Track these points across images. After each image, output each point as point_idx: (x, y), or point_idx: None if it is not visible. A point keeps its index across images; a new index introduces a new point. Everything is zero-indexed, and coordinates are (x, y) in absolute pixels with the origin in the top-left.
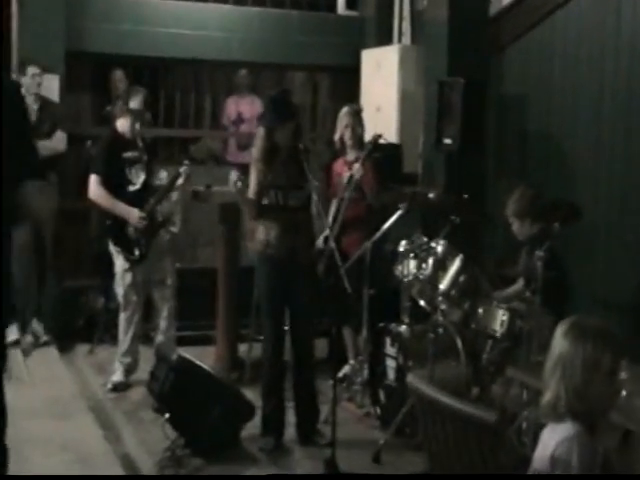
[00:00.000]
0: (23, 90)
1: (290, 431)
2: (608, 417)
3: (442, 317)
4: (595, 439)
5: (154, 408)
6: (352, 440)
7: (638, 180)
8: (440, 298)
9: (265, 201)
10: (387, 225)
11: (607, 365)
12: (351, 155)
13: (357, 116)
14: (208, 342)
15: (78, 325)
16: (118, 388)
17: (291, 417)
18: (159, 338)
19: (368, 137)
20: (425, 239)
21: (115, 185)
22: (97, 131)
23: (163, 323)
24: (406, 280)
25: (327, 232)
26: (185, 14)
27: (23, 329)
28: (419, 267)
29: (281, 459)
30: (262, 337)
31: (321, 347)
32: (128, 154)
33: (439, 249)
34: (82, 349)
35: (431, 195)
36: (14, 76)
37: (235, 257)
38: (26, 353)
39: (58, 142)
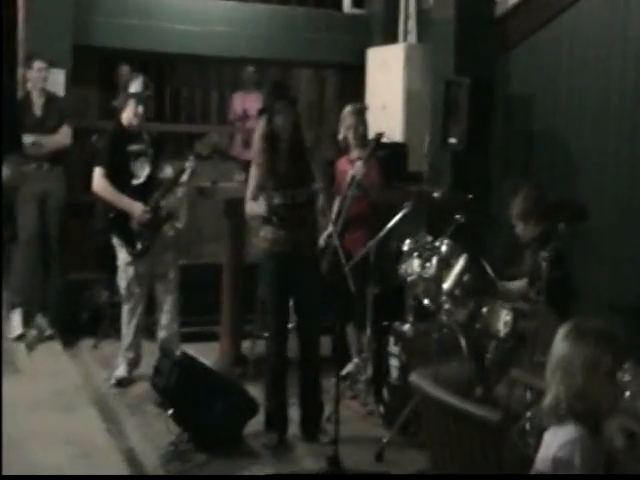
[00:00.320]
0: (29, 85)
1: (293, 428)
2: (613, 418)
3: (446, 316)
4: (598, 441)
5: (157, 403)
6: (355, 438)
7: None
8: (444, 297)
9: (273, 200)
10: (391, 224)
11: (607, 365)
12: (355, 153)
13: (360, 115)
14: (212, 338)
15: (82, 319)
16: (122, 383)
17: (294, 414)
18: (161, 333)
19: (372, 135)
20: (430, 238)
21: (119, 178)
22: (103, 125)
23: (165, 318)
24: (410, 279)
25: (330, 230)
26: (192, 10)
27: (27, 323)
28: (423, 266)
29: (284, 456)
30: (266, 334)
31: (325, 345)
32: (133, 147)
33: (443, 248)
34: (87, 343)
35: (436, 194)
36: (20, 70)
37: (240, 253)
38: (30, 347)
39: (64, 136)
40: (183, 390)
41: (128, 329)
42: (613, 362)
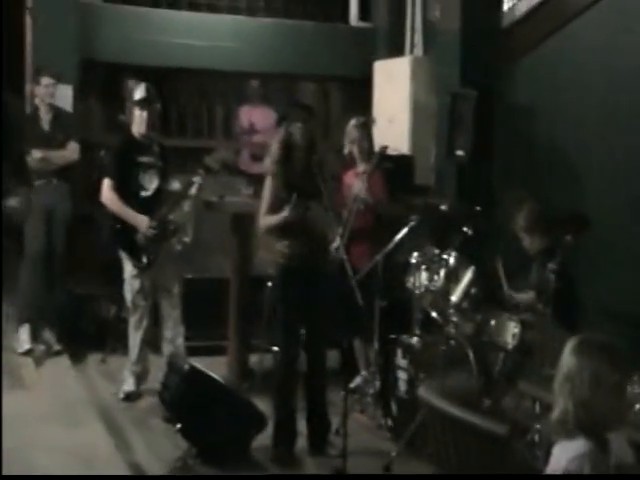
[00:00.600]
0: (37, 100)
1: (301, 441)
2: (621, 431)
3: (454, 329)
4: (607, 455)
5: (165, 418)
6: (363, 451)
7: None
8: (452, 310)
9: (286, 212)
10: (398, 237)
11: (614, 379)
12: (361, 167)
13: (364, 128)
14: (219, 352)
15: (89, 333)
16: (130, 397)
17: (302, 428)
18: (167, 347)
19: (378, 147)
20: (437, 251)
21: (128, 190)
22: (109, 139)
23: (169, 332)
24: (418, 292)
25: (337, 243)
26: (197, 24)
27: (35, 338)
28: (431, 279)
29: (292, 469)
30: (274, 347)
31: (333, 358)
32: (143, 159)
33: (451, 261)
34: (94, 358)
35: (443, 206)
36: (28, 86)
37: (246, 267)
38: (38, 362)
39: (72, 152)
40: (191, 405)
41: (134, 342)
42: (619, 376)
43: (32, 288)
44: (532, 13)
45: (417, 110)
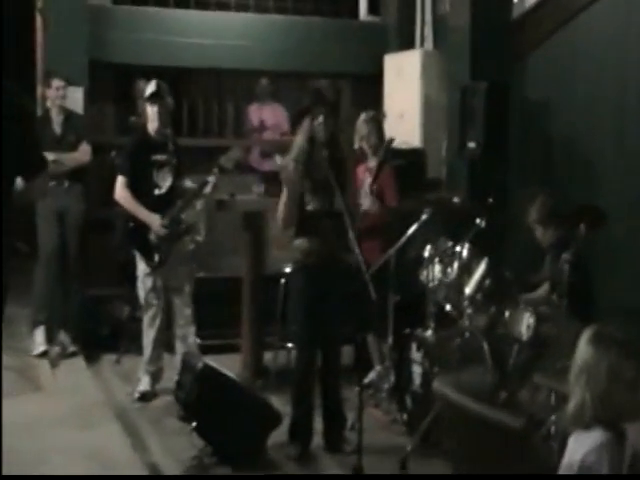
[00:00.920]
0: (49, 103)
1: (316, 438)
2: (637, 423)
3: (468, 322)
4: (624, 446)
5: (180, 417)
6: (379, 447)
7: None
8: (466, 302)
9: (309, 206)
10: (411, 231)
11: (631, 373)
12: (372, 161)
13: (373, 123)
14: (233, 350)
15: (104, 334)
16: (145, 397)
17: (318, 424)
18: (179, 346)
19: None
20: (450, 244)
21: (142, 187)
22: (120, 141)
23: (180, 331)
24: (431, 285)
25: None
26: (207, 23)
27: (50, 340)
28: (444, 272)
29: (308, 467)
30: (288, 344)
31: (346, 354)
32: (157, 156)
33: (464, 253)
34: (108, 358)
35: (456, 199)
36: (39, 88)
37: (259, 265)
38: (54, 364)
39: (84, 154)
40: (206, 403)
41: (148, 340)
42: (636, 370)
43: (46, 290)
44: (542, 4)
45: (428, 104)
